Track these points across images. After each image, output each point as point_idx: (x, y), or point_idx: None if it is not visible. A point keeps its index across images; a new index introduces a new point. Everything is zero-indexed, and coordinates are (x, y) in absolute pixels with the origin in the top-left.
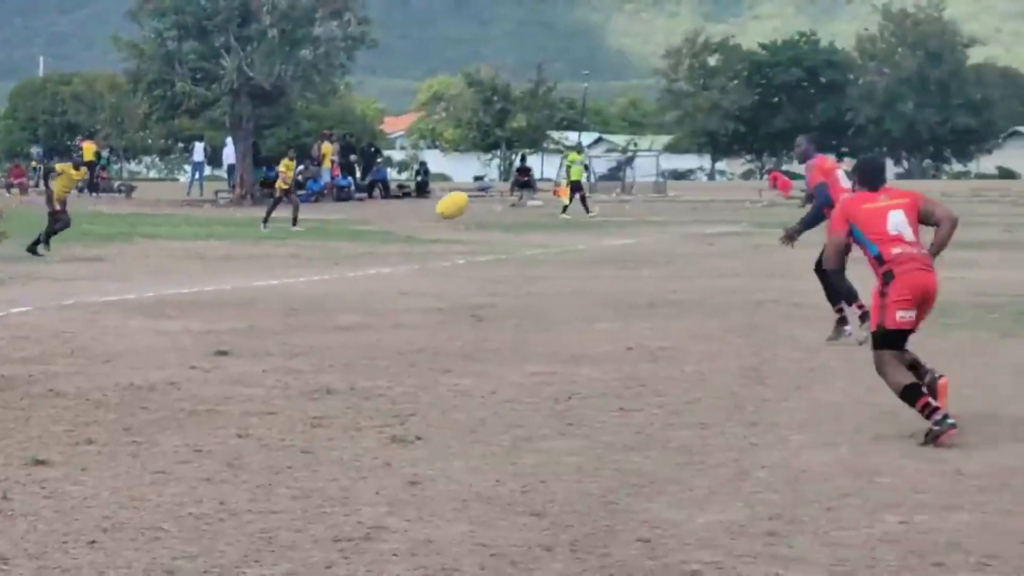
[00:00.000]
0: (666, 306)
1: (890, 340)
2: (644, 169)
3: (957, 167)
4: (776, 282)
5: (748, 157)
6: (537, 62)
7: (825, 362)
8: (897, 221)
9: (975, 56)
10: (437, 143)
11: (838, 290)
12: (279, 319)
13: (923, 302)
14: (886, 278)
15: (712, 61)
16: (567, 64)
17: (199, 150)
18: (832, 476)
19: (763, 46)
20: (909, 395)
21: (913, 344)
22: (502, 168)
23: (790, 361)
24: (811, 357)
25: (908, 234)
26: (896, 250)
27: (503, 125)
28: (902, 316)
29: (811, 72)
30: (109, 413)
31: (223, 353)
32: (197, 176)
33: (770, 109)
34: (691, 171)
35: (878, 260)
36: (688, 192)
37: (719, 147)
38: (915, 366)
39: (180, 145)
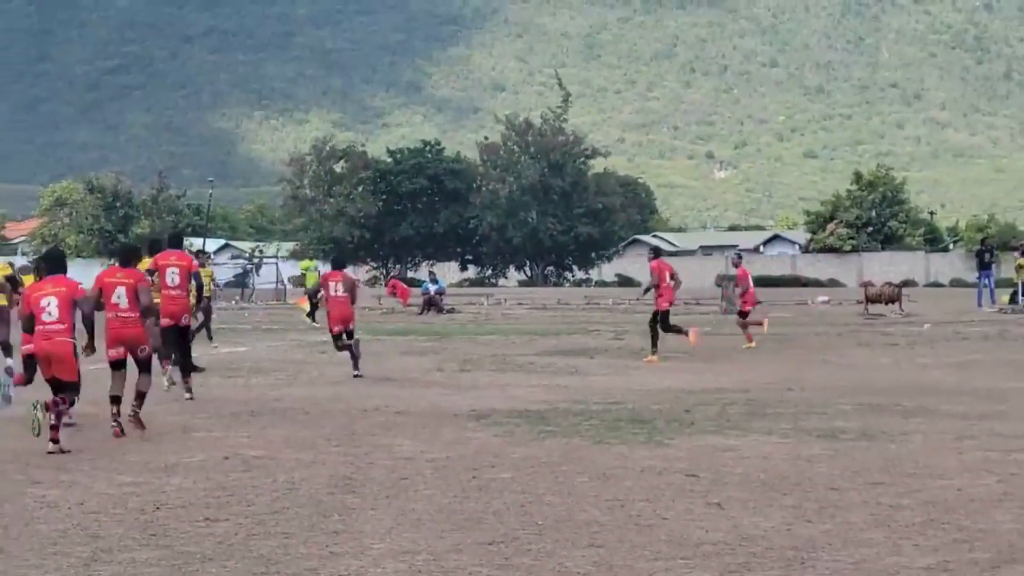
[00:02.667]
0: (268, 414)
1: None
2: (269, 276)
3: (579, 274)
4: (382, 389)
5: (373, 264)
6: (159, 168)
7: (418, 470)
8: None
9: (598, 166)
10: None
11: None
12: None
13: None
14: None
15: (338, 168)
16: (197, 170)
17: None
18: None
19: (390, 153)
20: None
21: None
22: None
23: (384, 470)
24: (405, 465)
25: None
26: None
27: (126, 231)
28: None
29: (435, 180)
30: None
31: None
32: None
33: (395, 216)
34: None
35: None
36: None
37: (345, 254)
38: None
39: None
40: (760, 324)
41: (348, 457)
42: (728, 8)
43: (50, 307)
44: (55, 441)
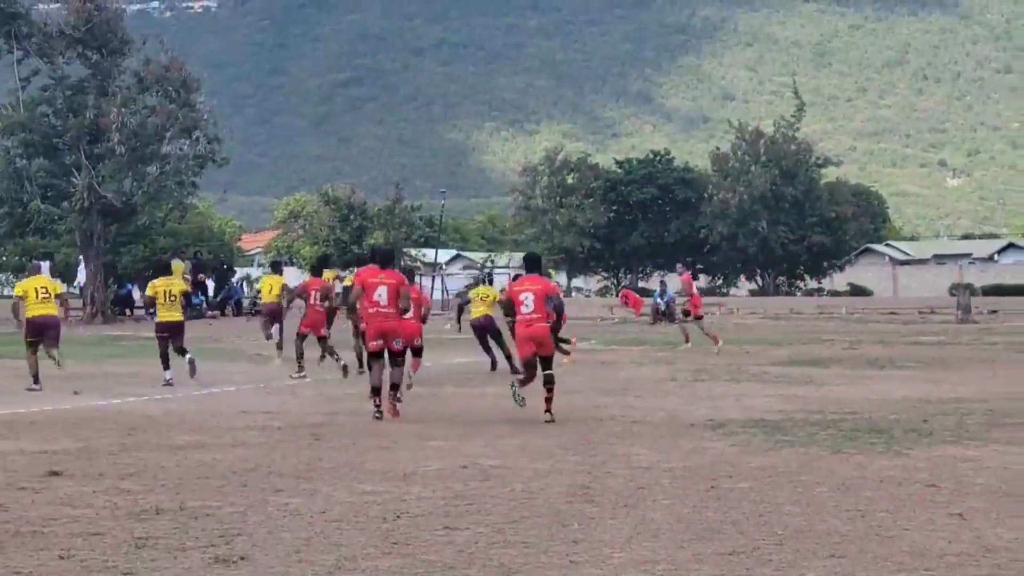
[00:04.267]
0: (503, 423)
1: None
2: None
3: (811, 284)
4: (616, 399)
5: (604, 274)
6: (395, 180)
7: (656, 480)
8: None
9: (829, 175)
10: (294, 260)
11: None
12: (115, 439)
13: None
14: None
15: (569, 179)
16: (429, 181)
17: (45, 269)
18: None
19: (619, 164)
20: None
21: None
22: None
23: (621, 479)
24: (642, 475)
25: None
26: None
27: (360, 242)
28: None
29: (666, 190)
30: None
31: (55, 473)
32: None
33: (625, 226)
34: None
35: None
36: None
37: (575, 264)
38: None
39: (33, 263)
40: (714, 340)
41: (585, 466)
42: (961, 14)
43: (527, 301)
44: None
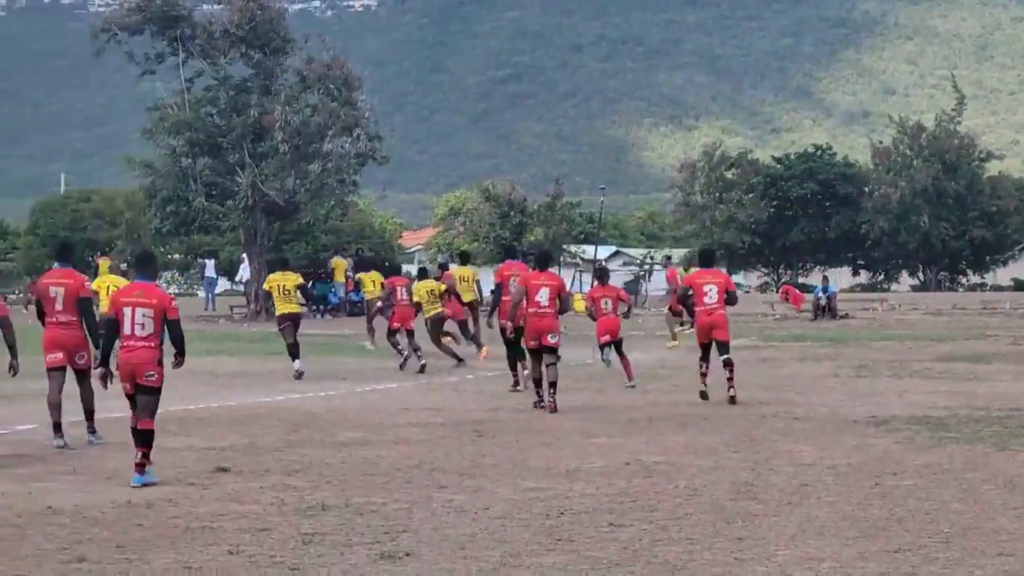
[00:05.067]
0: (666, 420)
1: None
2: (661, 282)
3: (973, 279)
4: (778, 395)
5: (764, 270)
6: (555, 176)
7: (819, 477)
8: None
9: (991, 169)
10: (455, 257)
11: None
12: (281, 435)
13: None
14: None
15: (729, 175)
16: (588, 178)
17: (210, 266)
18: None
19: (778, 160)
20: None
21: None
22: None
23: (784, 476)
24: (806, 472)
25: None
26: None
27: (520, 239)
28: None
29: (826, 185)
30: (104, 531)
31: (223, 469)
32: (212, 291)
33: (785, 222)
34: None
35: None
36: None
37: (735, 260)
38: None
39: (200, 261)
40: (673, 337)
41: (748, 463)
42: None
43: (710, 292)
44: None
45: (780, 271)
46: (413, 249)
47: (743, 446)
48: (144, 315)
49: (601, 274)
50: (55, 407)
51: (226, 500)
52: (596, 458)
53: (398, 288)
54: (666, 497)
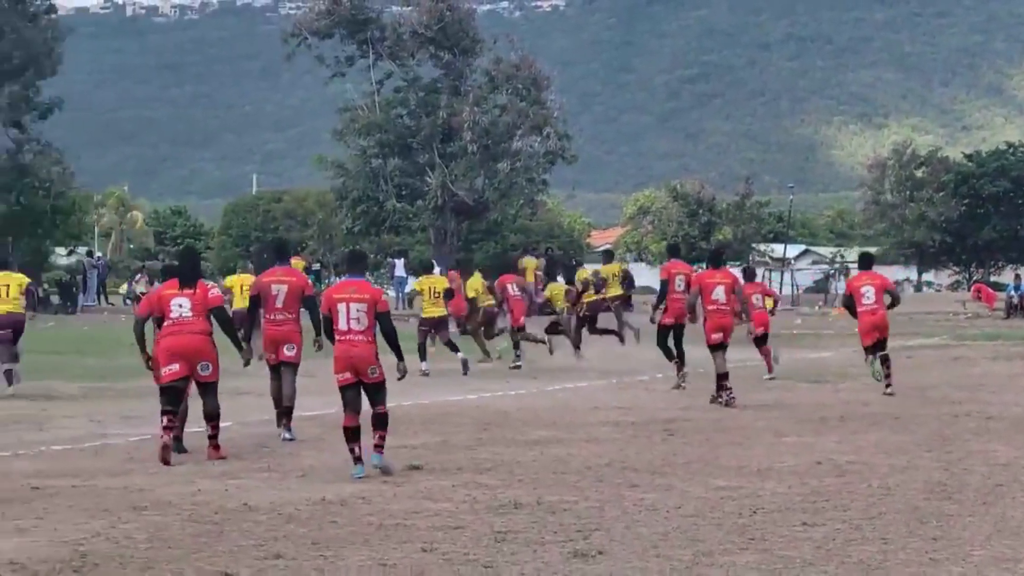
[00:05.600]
0: (857, 419)
1: None
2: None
3: None
4: (971, 395)
5: (955, 268)
6: (744, 175)
7: (1015, 477)
8: None
9: None
10: (643, 256)
11: None
12: (472, 433)
13: None
14: None
15: (919, 173)
16: (777, 176)
17: (400, 266)
18: None
19: (968, 157)
20: None
21: None
22: None
23: (979, 476)
24: (1001, 472)
25: None
26: None
27: (708, 237)
28: None
29: (1019, 183)
30: (299, 527)
31: (415, 468)
32: (402, 291)
33: (977, 220)
34: (898, 282)
35: None
36: None
37: (926, 258)
38: None
39: (389, 260)
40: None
41: (941, 463)
42: None
43: (868, 293)
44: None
45: (971, 269)
46: (601, 248)
47: (935, 445)
48: (358, 310)
49: (748, 273)
50: (278, 400)
51: (419, 498)
52: (787, 457)
53: (509, 285)
54: (859, 496)
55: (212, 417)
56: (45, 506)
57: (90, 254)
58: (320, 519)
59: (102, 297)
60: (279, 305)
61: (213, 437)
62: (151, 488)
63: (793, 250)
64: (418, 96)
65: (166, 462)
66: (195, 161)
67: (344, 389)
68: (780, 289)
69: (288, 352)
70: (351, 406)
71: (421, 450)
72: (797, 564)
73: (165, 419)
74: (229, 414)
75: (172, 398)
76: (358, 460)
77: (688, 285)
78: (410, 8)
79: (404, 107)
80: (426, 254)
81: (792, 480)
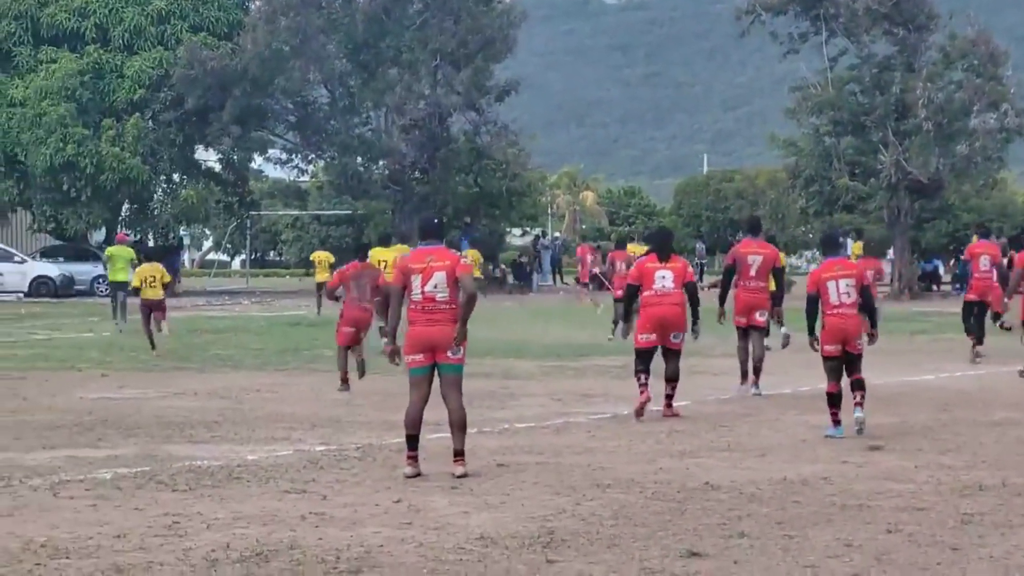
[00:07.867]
0: None
1: None
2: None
3: None
4: None
5: None
6: None
7: None
8: None
9: None
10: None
11: None
12: (932, 414)
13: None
14: None
15: None
16: None
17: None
18: None
19: None
20: None
21: None
22: None
23: None
24: None
25: None
26: None
27: None
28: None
29: None
30: (762, 507)
31: (875, 448)
32: None
33: None
34: None
35: None
36: None
37: None
38: None
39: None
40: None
41: None
42: None
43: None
44: None
45: None
46: None
47: None
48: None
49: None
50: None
51: (881, 479)
52: None
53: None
54: None
55: (672, 380)
56: (511, 483)
57: (542, 235)
58: (782, 498)
59: (557, 277)
60: (752, 274)
61: (669, 396)
62: (613, 466)
63: None
64: (872, 73)
65: (640, 415)
66: (646, 141)
67: (827, 360)
68: None
69: (759, 318)
70: (833, 374)
71: (879, 431)
72: None
73: (642, 377)
74: (686, 393)
75: (645, 361)
76: (838, 423)
77: (993, 264)
78: None
79: (858, 84)
80: (877, 233)
81: None
